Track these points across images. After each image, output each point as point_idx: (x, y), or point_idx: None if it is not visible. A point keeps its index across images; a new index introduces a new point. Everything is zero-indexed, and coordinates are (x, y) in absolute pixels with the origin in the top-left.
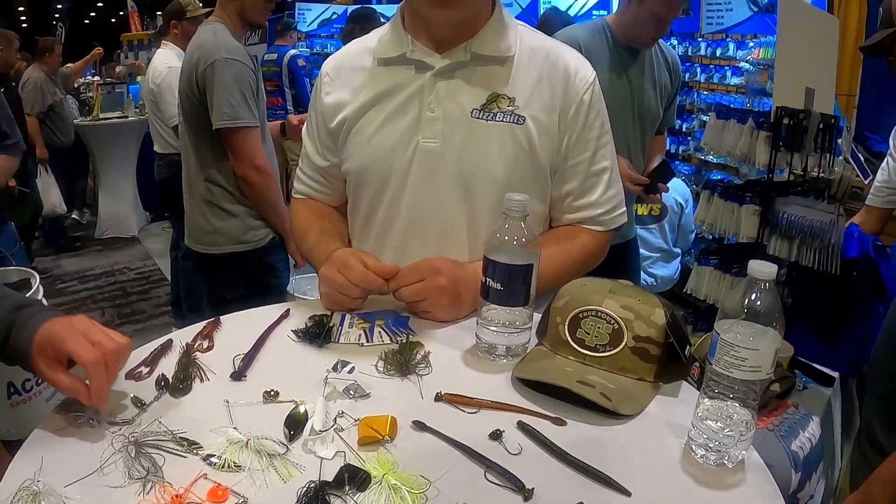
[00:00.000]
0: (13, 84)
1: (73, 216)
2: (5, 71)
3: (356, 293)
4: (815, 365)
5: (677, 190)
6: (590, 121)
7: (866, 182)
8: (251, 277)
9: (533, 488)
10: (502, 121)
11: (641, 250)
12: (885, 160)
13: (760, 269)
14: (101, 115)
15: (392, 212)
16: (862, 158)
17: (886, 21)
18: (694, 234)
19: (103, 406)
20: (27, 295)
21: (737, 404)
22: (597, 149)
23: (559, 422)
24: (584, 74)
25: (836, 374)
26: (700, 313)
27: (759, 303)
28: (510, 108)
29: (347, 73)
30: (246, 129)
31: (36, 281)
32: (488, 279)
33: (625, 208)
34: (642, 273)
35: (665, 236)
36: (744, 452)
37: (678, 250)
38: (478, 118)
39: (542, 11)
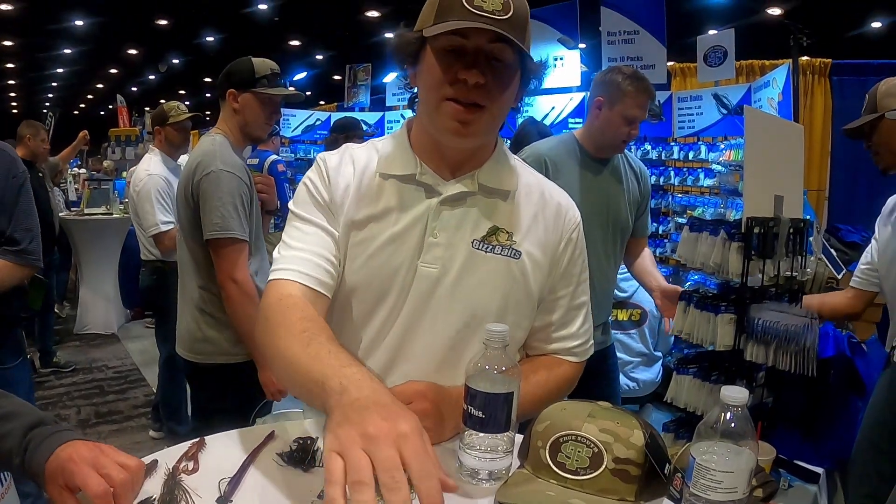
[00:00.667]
0: (40, 175)
1: (54, 309)
2: (33, 160)
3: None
4: (799, 462)
5: None
6: (574, 257)
7: (840, 276)
8: (238, 390)
9: None
10: (500, 254)
11: (622, 355)
12: (870, 245)
13: (733, 396)
14: (87, 210)
15: (383, 330)
16: (834, 253)
17: (871, 107)
18: (674, 337)
19: None
20: None
21: None
22: (578, 283)
23: None
24: (574, 214)
25: (820, 471)
26: (682, 421)
27: (733, 425)
28: (508, 242)
29: (350, 177)
30: (233, 241)
31: None
32: (469, 407)
33: (593, 342)
34: (624, 378)
35: (645, 341)
36: None
37: (659, 354)
38: (477, 248)
39: (518, 121)
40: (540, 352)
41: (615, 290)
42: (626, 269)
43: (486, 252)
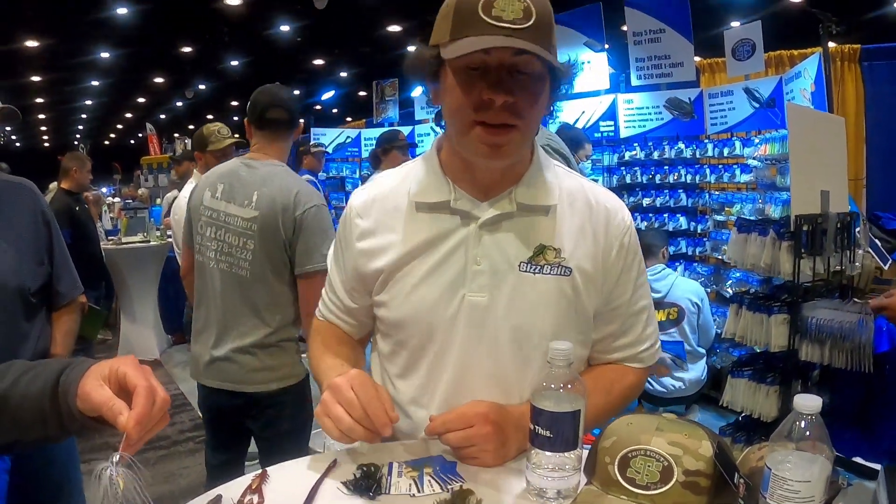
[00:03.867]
0: (86, 206)
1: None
2: (79, 192)
3: (358, 414)
4: (857, 460)
5: (690, 290)
6: (628, 262)
7: (886, 267)
8: (296, 410)
9: None
10: (550, 273)
11: (665, 354)
12: None
13: (806, 404)
14: (125, 239)
15: (439, 365)
16: (879, 244)
17: None
18: (714, 332)
19: (134, 437)
20: None
21: None
22: (635, 289)
23: None
24: (623, 216)
25: (879, 467)
26: (739, 424)
27: (807, 433)
28: (557, 259)
29: (380, 213)
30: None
31: None
32: (537, 426)
33: (660, 343)
34: (670, 380)
35: (686, 338)
36: None
37: (702, 350)
38: (525, 271)
39: (550, 128)
40: (603, 361)
41: None
42: (657, 269)
43: (535, 274)
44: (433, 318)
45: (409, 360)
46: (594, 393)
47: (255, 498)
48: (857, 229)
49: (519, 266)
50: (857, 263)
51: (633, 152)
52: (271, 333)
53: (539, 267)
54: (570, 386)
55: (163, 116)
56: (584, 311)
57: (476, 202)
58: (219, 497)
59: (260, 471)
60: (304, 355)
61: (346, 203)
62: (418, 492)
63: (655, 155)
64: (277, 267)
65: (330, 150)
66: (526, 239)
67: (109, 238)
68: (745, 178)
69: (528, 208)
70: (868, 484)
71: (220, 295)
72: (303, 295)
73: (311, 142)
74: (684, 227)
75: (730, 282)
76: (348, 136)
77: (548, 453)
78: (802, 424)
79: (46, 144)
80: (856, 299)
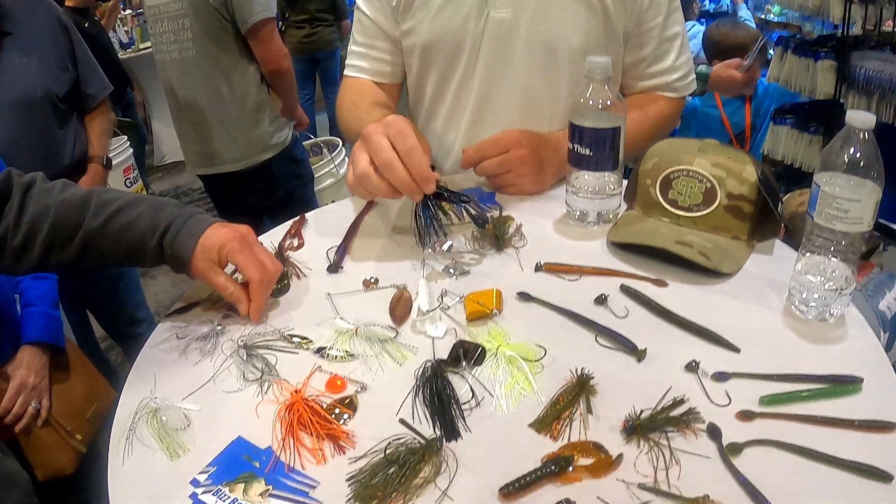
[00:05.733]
0: (95, 18)
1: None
2: (86, 7)
3: (400, 170)
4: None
5: None
6: None
7: None
8: (287, 177)
9: (645, 349)
10: None
11: None
12: None
13: (860, 119)
14: (142, 46)
15: (464, 88)
16: None
17: None
18: None
19: (258, 322)
20: None
21: (836, 259)
22: (668, 13)
23: (660, 283)
24: None
25: None
26: (779, 175)
27: (858, 154)
28: None
29: None
30: (273, 20)
31: None
32: (576, 145)
33: (695, 75)
34: None
35: None
36: (844, 308)
37: None
38: None
39: None
40: (636, 90)
41: None
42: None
43: None
44: (460, 38)
45: (436, 90)
46: (630, 116)
47: (296, 241)
48: None
49: None
50: None
51: None
52: (239, 107)
53: None
54: (608, 103)
55: None
56: (613, 31)
57: None
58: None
59: (298, 217)
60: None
61: None
62: (459, 220)
63: None
64: (218, 36)
65: None
66: None
67: (127, 50)
68: None
69: None
70: None
71: (184, 86)
72: (260, 56)
73: None
74: None
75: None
76: None
77: (588, 174)
78: (854, 142)
79: None
80: None
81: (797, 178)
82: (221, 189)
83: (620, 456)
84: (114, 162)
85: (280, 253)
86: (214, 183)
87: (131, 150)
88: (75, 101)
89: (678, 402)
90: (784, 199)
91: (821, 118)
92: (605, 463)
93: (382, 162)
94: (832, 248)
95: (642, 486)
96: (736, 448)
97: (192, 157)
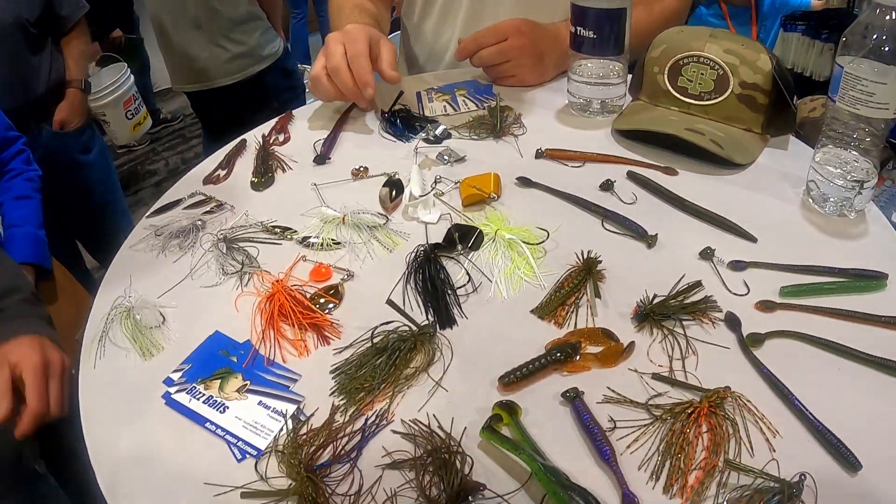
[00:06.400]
0: None
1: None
2: None
3: (345, 75)
4: None
5: None
6: None
7: None
8: (280, 89)
9: (656, 234)
10: None
11: None
12: None
13: None
14: None
15: None
16: None
17: None
18: None
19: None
20: None
21: (856, 153)
22: None
23: (670, 171)
24: None
25: None
26: None
27: (884, 37)
28: None
29: None
30: None
31: None
32: (579, 28)
33: None
34: None
35: None
36: (865, 204)
37: None
38: None
39: None
40: None
41: None
42: None
43: None
44: None
45: None
46: (635, 7)
47: (281, 136)
48: None
49: None
50: None
51: None
52: (229, 20)
53: None
54: None
55: None
56: None
57: None
58: (243, 141)
59: (284, 113)
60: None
61: None
62: (454, 111)
63: None
64: None
65: None
66: None
67: None
68: None
69: None
70: None
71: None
72: None
73: None
74: None
75: None
76: None
77: (590, 61)
78: (879, 21)
79: None
80: None
81: (808, 86)
82: (212, 106)
83: (632, 344)
84: (113, 95)
85: (265, 147)
86: (204, 101)
87: (132, 79)
88: (49, 25)
89: (693, 288)
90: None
91: (833, 26)
92: (615, 351)
93: (332, 67)
94: (854, 137)
95: (656, 377)
96: (757, 339)
97: (182, 75)
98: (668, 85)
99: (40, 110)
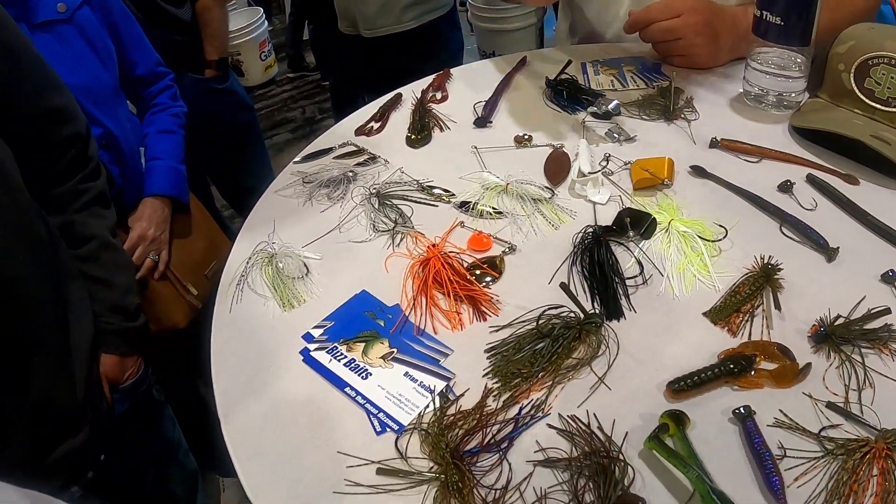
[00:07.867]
0: None
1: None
2: None
3: None
4: None
5: None
6: None
7: None
8: (448, 40)
9: (837, 247)
10: None
11: None
12: None
13: None
14: None
15: None
16: None
17: None
18: None
19: None
20: None
21: None
22: None
23: (852, 180)
24: None
25: None
26: None
27: None
28: None
29: None
30: None
31: None
32: (765, 13)
33: None
34: None
35: None
36: None
37: None
38: None
39: None
40: None
41: None
42: None
43: None
44: None
45: None
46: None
47: (439, 94)
48: None
49: None
50: None
51: None
52: None
53: None
54: None
55: None
56: None
57: None
58: (398, 95)
59: (441, 70)
60: None
61: None
62: (621, 87)
63: None
64: None
65: None
66: None
67: None
68: None
69: None
70: None
71: None
72: None
73: None
74: None
75: None
76: None
77: (773, 48)
78: None
79: None
80: None
81: None
82: (374, 54)
83: (808, 365)
84: (250, 36)
85: (422, 104)
86: (364, 49)
87: (266, 23)
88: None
89: (881, 314)
90: None
91: None
92: (791, 370)
93: None
94: None
95: (831, 406)
96: None
97: (350, 20)
98: (853, 85)
99: (181, 57)
